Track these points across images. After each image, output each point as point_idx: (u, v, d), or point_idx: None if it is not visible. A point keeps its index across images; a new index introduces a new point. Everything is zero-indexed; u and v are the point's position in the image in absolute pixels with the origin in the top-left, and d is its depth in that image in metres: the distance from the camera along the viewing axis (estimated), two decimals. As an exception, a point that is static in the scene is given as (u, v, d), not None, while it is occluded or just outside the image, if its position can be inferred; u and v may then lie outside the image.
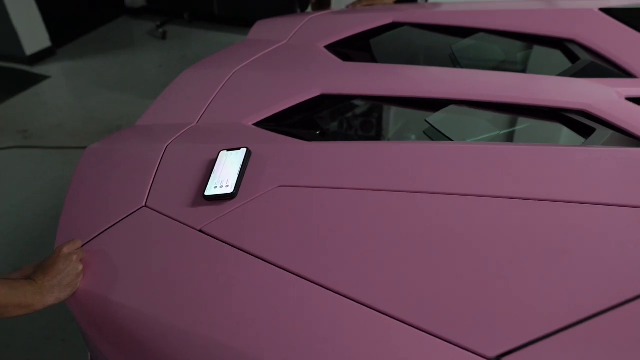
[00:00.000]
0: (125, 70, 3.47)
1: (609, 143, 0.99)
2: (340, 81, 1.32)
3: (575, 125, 1.09)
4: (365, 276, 0.73)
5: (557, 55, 1.45)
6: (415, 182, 0.88)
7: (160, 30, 3.90)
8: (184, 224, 0.87)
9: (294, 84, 1.32)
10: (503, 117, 1.18)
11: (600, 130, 1.03)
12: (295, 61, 1.50)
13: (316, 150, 1.01)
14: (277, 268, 0.76)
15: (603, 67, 1.33)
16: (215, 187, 0.91)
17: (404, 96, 1.24)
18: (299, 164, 0.98)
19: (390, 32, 1.64)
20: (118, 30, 4.12)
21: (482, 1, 1.83)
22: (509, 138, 1.15)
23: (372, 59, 1.53)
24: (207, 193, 0.90)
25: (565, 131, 1.10)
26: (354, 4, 2.01)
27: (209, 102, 1.30)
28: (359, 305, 0.69)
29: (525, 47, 1.54)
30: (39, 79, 3.34)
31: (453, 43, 1.52)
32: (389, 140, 1.24)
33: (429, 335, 0.64)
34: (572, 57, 1.40)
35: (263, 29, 1.81)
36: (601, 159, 0.90)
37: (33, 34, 3.45)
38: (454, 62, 1.45)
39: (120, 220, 0.92)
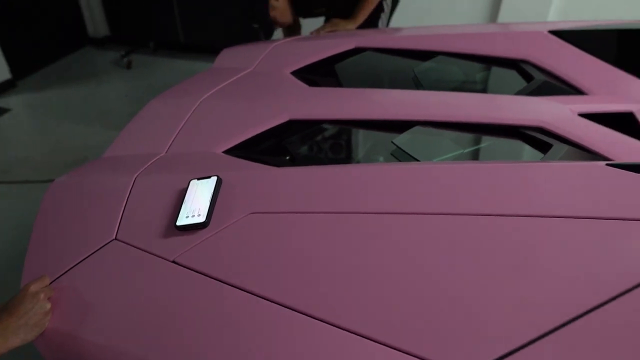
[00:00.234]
0: (89, 100, 3.42)
1: (565, 158, 1.05)
2: (307, 106, 1.34)
3: (534, 142, 1.14)
4: (340, 299, 0.74)
5: (512, 75, 1.52)
6: (384, 204, 0.90)
7: (125, 59, 3.88)
8: (156, 255, 0.86)
9: (262, 110, 1.34)
10: (466, 136, 1.22)
11: (557, 145, 1.09)
12: (262, 88, 1.52)
13: (287, 176, 1.03)
14: (253, 296, 0.76)
15: (556, 85, 1.41)
16: (187, 217, 0.91)
17: (370, 119, 1.28)
18: (270, 190, 0.99)
19: (353, 57, 1.69)
20: (81, 61, 4.07)
21: (439, 25, 1.91)
22: (473, 156, 1.19)
23: (338, 84, 1.56)
24: (178, 223, 0.90)
25: (525, 147, 1.15)
26: (317, 31, 2.06)
27: (177, 131, 1.30)
28: (335, 328, 0.69)
29: (483, 68, 1.61)
30: (-1, 112, 3.25)
31: (414, 66, 1.58)
32: (357, 162, 1.26)
33: (402, 354, 0.65)
34: (527, 77, 1.47)
35: (229, 56, 1.84)
36: (559, 173, 0.94)
37: (-8, 66, 3.38)
38: (417, 84, 1.51)
39: (90, 255, 0.90)
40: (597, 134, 1.13)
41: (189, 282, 0.80)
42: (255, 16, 2.10)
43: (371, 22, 2.16)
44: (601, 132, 1.14)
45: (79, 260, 0.89)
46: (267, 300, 0.75)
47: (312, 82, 1.52)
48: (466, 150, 1.19)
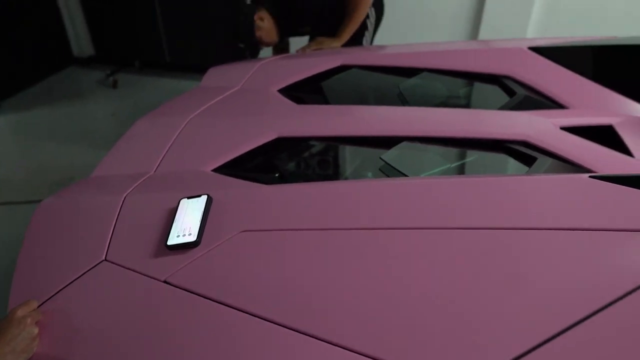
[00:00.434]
0: (75, 120, 3.40)
1: (550, 170, 1.07)
2: (295, 124, 1.36)
3: (519, 155, 1.16)
4: (335, 316, 0.74)
5: (495, 91, 1.55)
6: (375, 220, 0.91)
7: (111, 78, 3.87)
8: (147, 275, 0.86)
9: (251, 128, 1.35)
10: (453, 151, 1.25)
11: (542, 158, 1.11)
12: (250, 106, 1.53)
13: (276, 193, 1.03)
14: (247, 314, 0.76)
15: (537, 99, 1.45)
16: (178, 236, 0.91)
17: (358, 135, 1.30)
18: (260, 208, 0.99)
19: (339, 74, 1.71)
20: (66, 80, 4.05)
21: (423, 43, 1.95)
22: (461, 170, 1.21)
23: (325, 101, 1.58)
24: (169, 242, 0.90)
25: (511, 161, 1.18)
26: (303, 49, 2.09)
27: (166, 150, 1.30)
28: (330, 345, 0.69)
29: (466, 84, 1.64)
30: (-19, 133, 3.21)
31: (399, 82, 1.60)
32: (346, 179, 1.27)
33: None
34: (509, 92, 1.51)
35: (216, 75, 1.85)
36: (546, 186, 0.96)
37: (-25, 87, 3.34)
38: (402, 100, 1.53)
39: (79, 277, 0.89)
40: (580, 146, 1.16)
41: (182, 302, 0.79)
42: (241, 36, 2.12)
43: (356, 40, 2.20)
44: (583, 144, 1.17)
45: (68, 283, 0.88)
46: (261, 318, 0.74)
47: (299, 100, 1.54)
48: (454, 165, 1.21)
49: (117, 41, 4.11)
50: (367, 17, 2.17)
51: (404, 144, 1.22)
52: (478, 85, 1.62)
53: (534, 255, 0.79)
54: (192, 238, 0.89)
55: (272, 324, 0.74)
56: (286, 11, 2.14)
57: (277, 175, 1.20)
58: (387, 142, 1.24)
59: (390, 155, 1.18)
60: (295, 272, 0.82)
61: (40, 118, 3.43)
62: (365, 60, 1.75)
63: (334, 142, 1.34)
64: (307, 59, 1.85)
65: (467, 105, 1.59)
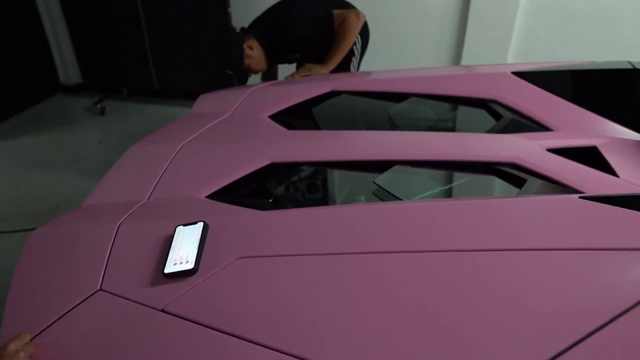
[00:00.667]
0: (63, 147, 3.37)
1: (540, 192, 1.10)
2: (288, 149, 1.37)
3: (509, 177, 1.19)
4: (334, 342, 0.74)
5: (482, 114, 1.59)
6: (372, 243, 0.92)
7: (99, 105, 3.87)
8: (144, 304, 0.85)
9: (243, 154, 1.36)
10: (444, 174, 1.27)
11: (531, 180, 1.14)
12: (242, 132, 1.54)
13: (273, 219, 1.04)
14: (246, 342, 0.75)
15: (523, 122, 1.48)
16: (175, 264, 0.90)
17: (350, 160, 1.31)
18: (257, 234, 0.99)
19: (329, 100, 1.74)
20: (53, 108, 4.03)
21: (411, 68, 2.00)
22: (452, 193, 1.23)
23: (316, 126, 1.60)
24: (167, 270, 0.89)
25: (501, 183, 1.20)
26: (292, 75, 2.12)
27: (159, 177, 1.30)
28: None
29: (453, 108, 1.68)
30: (-33, 161, 3.17)
31: (388, 107, 1.64)
32: (340, 203, 1.28)
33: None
34: (496, 115, 1.55)
35: (206, 102, 1.86)
36: (536, 207, 0.98)
37: (-40, 116, 3.31)
38: (392, 124, 1.56)
39: (73, 308, 0.88)
40: (567, 168, 1.19)
41: (181, 331, 0.78)
42: (230, 63, 2.15)
43: (343, 65, 2.24)
44: (570, 166, 1.20)
45: (62, 314, 0.87)
46: (262, 346, 0.74)
47: (290, 126, 1.56)
48: (445, 188, 1.23)
49: (105, 68, 4.12)
50: (355, 43, 2.22)
51: (396, 167, 1.24)
52: (465, 109, 1.66)
53: (531, 277, 0.80)
54: (190, 266, 0.89)
55: (272, 351, 0.73)
56: (276, 40, 2.18)
57: (271, 200, 1.21)
58: (379, 166, 1.26)
59: (383, 179, 1.19)
60: (294, 299, 0.82)
61: (28, 146, 3.40)
62: (354, 85, 1.79)
63: (327, 167, 1.36)
64: (297, 85, 1.88)
65: (455, 129, 1.62)
